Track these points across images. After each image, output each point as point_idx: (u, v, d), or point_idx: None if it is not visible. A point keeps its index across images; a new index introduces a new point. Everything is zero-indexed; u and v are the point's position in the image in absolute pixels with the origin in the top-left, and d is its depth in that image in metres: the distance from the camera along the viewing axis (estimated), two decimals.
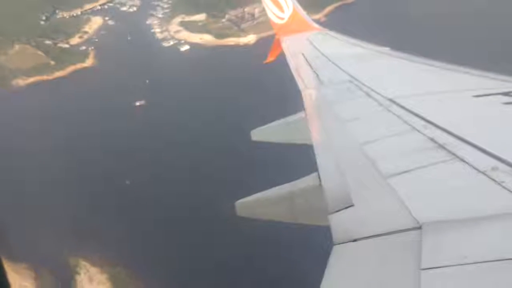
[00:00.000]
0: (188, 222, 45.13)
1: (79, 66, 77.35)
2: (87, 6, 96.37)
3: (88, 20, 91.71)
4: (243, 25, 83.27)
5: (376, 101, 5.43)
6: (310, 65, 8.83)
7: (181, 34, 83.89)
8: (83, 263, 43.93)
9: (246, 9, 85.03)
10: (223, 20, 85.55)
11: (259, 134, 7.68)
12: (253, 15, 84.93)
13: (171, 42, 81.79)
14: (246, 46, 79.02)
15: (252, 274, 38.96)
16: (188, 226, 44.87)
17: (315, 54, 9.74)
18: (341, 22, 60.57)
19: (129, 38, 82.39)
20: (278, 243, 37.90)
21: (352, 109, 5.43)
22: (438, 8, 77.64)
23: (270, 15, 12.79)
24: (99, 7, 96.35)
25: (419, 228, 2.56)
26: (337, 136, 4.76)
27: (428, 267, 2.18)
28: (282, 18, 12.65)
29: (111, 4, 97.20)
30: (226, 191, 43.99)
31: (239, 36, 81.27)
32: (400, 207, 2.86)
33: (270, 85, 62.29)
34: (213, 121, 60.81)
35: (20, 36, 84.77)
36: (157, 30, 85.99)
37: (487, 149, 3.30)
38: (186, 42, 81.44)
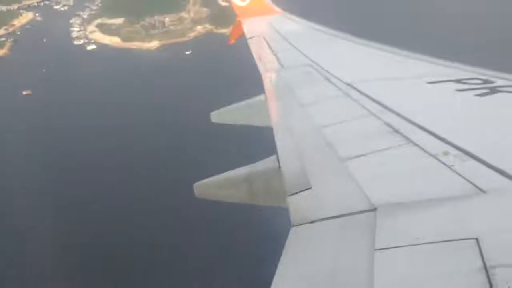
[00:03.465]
0: None
1: None
2: (26, 2, 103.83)
3: (20, 14, 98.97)
4: (151, 32, 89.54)
5: (334, 85, 5.55)
6: (271, 48, 8.94)
7: (94, 34, 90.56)
8: None
9: (157, 17, 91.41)
10: (136, 25, 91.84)
11: (219, 116, 7.60)
12: (163, 23, 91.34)
13: (82, 41, 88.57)
14: (147, 50, 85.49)
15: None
16: None
17: (276, 37, 9.85)
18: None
19: (44, 40, 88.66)
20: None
21: (312, 93, 5.54)
22: None
23: None
24: (36, 4, 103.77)
25: (374, 210, 2.66)
26: (296, 120, 4.87)
27: (382, 247, 2.26)
28: (244, 0, 12.65)
29: (47, 2, 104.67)
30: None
31: (143, 41, 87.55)
32: (356, 190, 2.96)
33: (145, 83, 71.72)
34: (86, 110, 67.21)
35: None
36: (75, 29, 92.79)
37: (439, 134, 3.44)
38: (95, 42, 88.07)
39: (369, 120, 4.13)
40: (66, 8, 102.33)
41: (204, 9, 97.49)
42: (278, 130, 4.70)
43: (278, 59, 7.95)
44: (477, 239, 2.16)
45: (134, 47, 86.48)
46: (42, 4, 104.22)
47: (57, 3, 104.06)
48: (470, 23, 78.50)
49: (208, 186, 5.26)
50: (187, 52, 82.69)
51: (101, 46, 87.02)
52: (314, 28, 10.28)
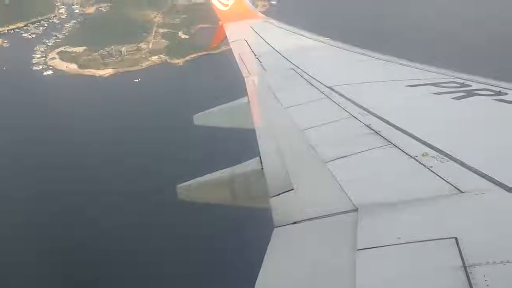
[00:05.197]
0: None
1: None
2: None
3: None
4: (107, 60, 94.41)
5: (316, 88, 5.66)
6: (253, 52, 9.04)
7: (53, 61, 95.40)
8: None
9: (115, 47, 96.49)
10: (95, 53, 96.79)
11: (202, 118, 7.56)
12: (120, 52, 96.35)
13: (40, 67, 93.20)
14: (99, 77, 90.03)
15: None
16: None
17: (259, 41, 10.04)
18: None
19: (4, 68, 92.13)
20: None
21: (294, 96, 5.62)
22: None
23: (214, 1, 12.97)
24: (6, 31, 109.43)
25: (356, 210, 2.75)
26: (278, 122, 4.94)
27: (363, 247, 2.33)
28: (226, 5, 12.86)
29: (17, 30, 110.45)
30: None
31: (98, 68, 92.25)
32: (338, 191, 3.06)
33: (86, 104, 75.08)
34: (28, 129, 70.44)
35: None
36: (37, 55, 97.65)
37: (418, 136, 3.61)
38: (52, 68, 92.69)
39: (350, 123, 4.26)
40: (34, 36, 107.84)
41: (164, 41, 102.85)
42: (261, 132, 4.79)
43: (260, 62, 8.13)
44: (456, 238, 2.23)
45: (89, 73, 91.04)
46: (12, 31, 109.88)
47: (26, 31, 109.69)
48: (447, 28, 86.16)
49: (191, 188, 5.21)
50: (136, 80, 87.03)
51: (58, 72, 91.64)
52: (295, 33, 10.58)
